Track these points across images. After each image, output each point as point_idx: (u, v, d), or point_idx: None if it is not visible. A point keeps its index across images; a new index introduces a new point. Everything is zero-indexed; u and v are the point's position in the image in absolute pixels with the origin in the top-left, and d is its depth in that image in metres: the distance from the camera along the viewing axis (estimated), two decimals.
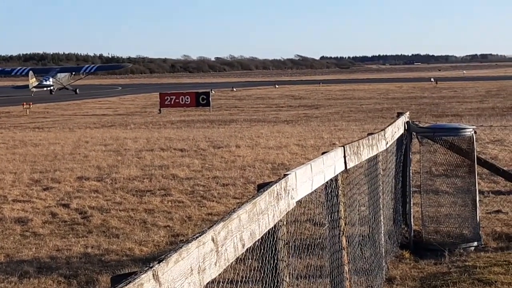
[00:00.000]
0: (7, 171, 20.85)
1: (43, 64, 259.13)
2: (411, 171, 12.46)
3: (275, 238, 5.20)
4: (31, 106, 55.82)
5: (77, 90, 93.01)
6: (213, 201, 15.97)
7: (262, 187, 5.15)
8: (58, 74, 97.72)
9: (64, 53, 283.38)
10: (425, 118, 37.93)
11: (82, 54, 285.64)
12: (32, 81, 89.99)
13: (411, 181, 12.39)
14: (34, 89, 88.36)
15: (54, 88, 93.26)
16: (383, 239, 9.97)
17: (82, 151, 25.51)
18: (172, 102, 52.50)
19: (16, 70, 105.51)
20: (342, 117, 40.89)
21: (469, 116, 38.80)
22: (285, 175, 5.57)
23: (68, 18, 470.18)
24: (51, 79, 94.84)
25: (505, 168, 17.96)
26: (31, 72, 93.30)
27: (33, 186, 18.18)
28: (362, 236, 9.04)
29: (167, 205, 15.59)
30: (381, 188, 9.97)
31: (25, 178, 19.36)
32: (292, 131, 31.80)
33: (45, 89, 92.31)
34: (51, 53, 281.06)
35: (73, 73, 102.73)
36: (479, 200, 14.15)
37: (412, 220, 12.16)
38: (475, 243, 11.60)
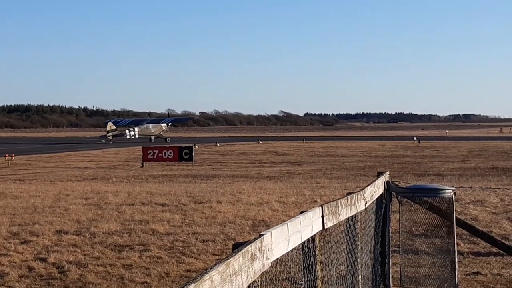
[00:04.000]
0: None
1: (27, 116, 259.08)
2: (390, 231, 12.44)
3: None
4: (13, 157, 55.66)
5: (168, 139, 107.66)
6: (192, 257, 15.86)
7: (237, 247, 5.12)
8: (150, 125, 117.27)
9: (48, 105, 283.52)
10: (407, 177, 38.02)
11: (66, 106, 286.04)
12: (111, 129, 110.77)
13: (390, 241, 12.36)
14: (112, 137, 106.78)
15: (152, 138, 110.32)
16: None
17: (62, 204, 25.37)
18: (155, 156, 52.48)
19: (121, 121, 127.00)
20: (325, 174, 40.93)
21: (450, 175, 38.92)
22: (260, 235, 5.52)
23: (52, 71, 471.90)
24: (136, 129, 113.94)
25: (484, 230, 18.03)
26: (110, 123, 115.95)
27: (11, 239, 18.02)
28: None
29: (145, 261, 15.47)
30: (360, 247, 9.93)
31: (3, 231, 19.20)
32: (274, 187, 31.77)
33: (127, 137, 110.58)
34: (35, 104, 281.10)
35: (169, 124, 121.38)
36: (458, 261, 14.14)
37: (390, 281, 12.11)
38: None
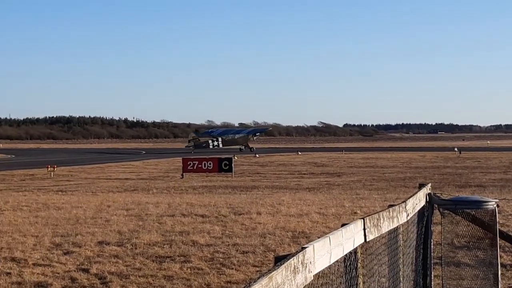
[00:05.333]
0: (29, 234, 20.89)
1: (68, 127, 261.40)
2: (432, 243, 12.35)
3: None
4: (55, 169, 56.17)
5: (253, 149, 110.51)
6: (233, 268, 15.88)
7: (279, 260, 5.12)
8: (236, 135, 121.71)
9: (89, 116, 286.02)
10: (448, 188, 37.75)
11: (107, 118, 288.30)
12: (192, 139, 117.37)
13: (432, 253, 12.26)
14: (193, 147, 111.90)
15: (243, 148, 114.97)
16: None
17: (104, 215, 25.55)
18: (195, 167, 52.64)
19: (214, 131, 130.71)
20: (364, 186, 40.77)
21: (492, 187, 38.57)
22: (302, 248, 5.52)
23: (93, 83, 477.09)
24: (220, 139, 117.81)
25: None
26: (191, 133, 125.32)
27: (54, 250, 18.18)
28: None
29: (186, 272, 15.52)
30: (402, 260, 9.87)
31: (46, 242, 19.39)
32: (314, 198, 31.71)
33: (210, 147, 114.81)
34: (77, 116, 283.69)
35: (257, 134, 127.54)
36: (501, 274, 13.99)
37: None
38: None
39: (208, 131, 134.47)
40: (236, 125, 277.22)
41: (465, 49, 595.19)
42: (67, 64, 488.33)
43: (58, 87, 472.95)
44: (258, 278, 4.48)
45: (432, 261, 12.27)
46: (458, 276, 12.06)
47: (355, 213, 25.11)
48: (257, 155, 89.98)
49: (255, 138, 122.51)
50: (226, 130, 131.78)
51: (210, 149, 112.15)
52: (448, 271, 12.14)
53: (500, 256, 15.09)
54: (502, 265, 15.25)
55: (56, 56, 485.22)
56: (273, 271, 4.70)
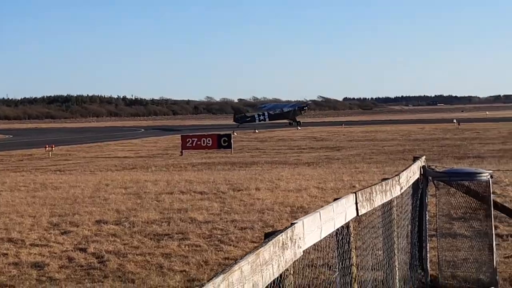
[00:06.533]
0: (26, 214, 20.94)
1: (66, 106, 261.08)
2: (427, 215, 12.39)
3: None
4: (53, 148, 56.19)
5: (299, 122, 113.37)
6: (231, 245, 15.94)
7: (269, 236, 5.13)
8: (284, 108, 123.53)
9: (88, 95, 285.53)
10: (447, 159, 37.81)
11: (105, 96, 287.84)
12: (240, 115, 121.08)
13: (427, 225, 12.31)
14: (239, 122, 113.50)
15: (293, 123, 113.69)
16: (398, 284, 9.88)
17: (102, 194, 25.59)
18: (194, 144, 52.65)
19: (265, 106, 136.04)
20: (364, 159, 40.80)
21: (491, 158, 38.60)
22: (292, 224, 5.54)
23: (91, 61, 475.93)
24: (266, 114, 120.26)
25: None
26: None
27: (51, 230, 18.23)
28: (376, 282, 8.96)
29: (184, 249, 15.57)
30: (396, 233, 9.90)
31: (44, 222, 19.43)
32: (313, 173, 31.74)
33: (257, 121, 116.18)
34: (75, 95, 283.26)
35: (305, 108, 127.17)
36: (498, 244, 14.04)
37: (428, 265, 12.07)
38: None
39: (260, 106, 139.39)
40: (236, 101, 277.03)
41: (463, 20, 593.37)
42: (64, 42, 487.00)
43: (56, 66, 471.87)
44: (245, 255, 4.50)
45: (427, 233, 12.32)
46: (454, 248, 12.11)
47: (354, 186, 25.14)
48: (256, 131, 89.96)
49: (303, 112, 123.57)
50: (275, 105, 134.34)
51: (256, 123, 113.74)
52: (444, 242, 12.20)
53: (496, 227, 15.17)
54: (498, 236, 15.31)
55: (52, 35, 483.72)
56: (260, 247, 4.71)
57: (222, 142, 52.54)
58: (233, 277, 4.12)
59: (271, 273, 4.80)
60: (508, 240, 15.31)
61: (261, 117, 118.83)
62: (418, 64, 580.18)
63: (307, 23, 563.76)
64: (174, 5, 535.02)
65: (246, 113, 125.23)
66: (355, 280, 7.45)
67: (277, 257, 4.96)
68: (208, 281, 3.84)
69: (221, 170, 36.04)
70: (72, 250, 15.72)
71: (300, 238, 5.57)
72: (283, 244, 5.13)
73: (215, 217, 19.58)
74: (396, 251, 9.79)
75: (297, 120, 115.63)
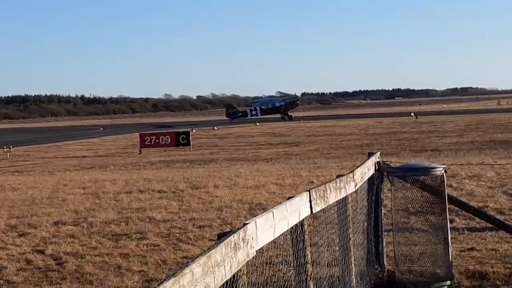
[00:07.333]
0: None
1: (24, 106, 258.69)
2: (383, 210, 12.49)
3: None
4: (11, 149, 55.68)
5: (292, 116, 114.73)
6: (189, 243, 15.93)
7: (221, 237, 5.15)
8: (276, 102, 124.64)
9: (46, 94, 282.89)
10: (405, 153, 38.13)
11: (63, 95, 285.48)
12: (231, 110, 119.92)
13: (383, 221, 12.41)
14: (231, 118, 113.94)
15: (285, 117, 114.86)
16: (354, 280, 9.94)
17: (60, 194, 25.40)
18: (152, 142, 52.54)
19: (258, 101, 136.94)
20: (322, 154, 40.98)
21: (448, 150, 38.99)
22: (244, 224, 5.56)
23: (48, 60, 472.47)
24: (258, 109, 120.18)
25: (480, 204, 18.10)
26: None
27: (9, 232, 18.07)
28: (333, 278, 9.02)
29: (142, 249, 15.53)
30: (352, 229, 9.97)
31: (1, 224, 19.25)
32: (271, 169, 31.80)
33: (249, 116, 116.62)
34: (33, 95, 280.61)
35: (297, 102, 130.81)
36: (454, 238, 14.21)
37: (385, 260, 12.17)
38: (448, 282, 11.62)
39: (254, 101, 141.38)
40: (194, 97, 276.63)
41: (419, 13, 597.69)
42: (19, 42, 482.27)
43: (12, 66, 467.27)
44: (197, 257, 4.50)
45: (383, 228, 12.41)
46: (410, 242, 12.22)
47: (312, 182, 25.22)
48: (215, 128, 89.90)
49: (295, 106, 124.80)
50: (267, 100, 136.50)
51: (248, 118, 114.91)
52: (401, 237, 12.30)
53: (452, 220, 15.36)
54: (455, 229, 15.48)
55: (5, 35, 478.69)
56: (212, 249, 4.73)
57: (180, 139, 52.50)
58: (184, 280, 4.12)
59: (223, 274, 4.81)
60: (464, 234, 15.47)
61: (253, 112, 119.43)
62: (376, 58, 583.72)
63: (265, 16, 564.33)
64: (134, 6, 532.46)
65: (238, 109, 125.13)
66: (310, 278, 7.50)
67: (230, 258, 4.97)
68: (158, 285, 3.84)
69: (179, 168, 35.98)
70: (30, 252, 15.60)
71: (252, 238, 5.59)
72: (235, 245, 5.14)
73: (173, 216, 19.55)
74: (352, 247, 9.86)
75: (289, 114, 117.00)
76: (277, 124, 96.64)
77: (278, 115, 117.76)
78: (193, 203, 21.80)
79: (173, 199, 22.95)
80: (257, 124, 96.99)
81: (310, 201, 7.58)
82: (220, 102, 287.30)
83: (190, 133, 55.17)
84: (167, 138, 52.73)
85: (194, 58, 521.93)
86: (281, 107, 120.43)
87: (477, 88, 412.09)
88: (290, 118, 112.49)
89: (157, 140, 52.50)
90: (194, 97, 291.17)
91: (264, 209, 19.68)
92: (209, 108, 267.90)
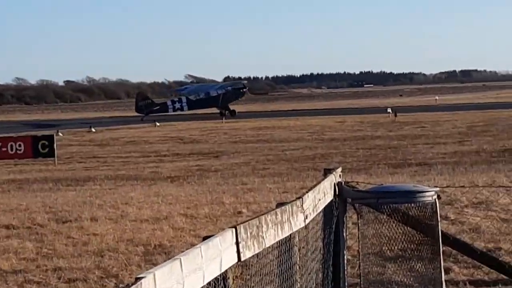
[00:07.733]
0: None
1: None
2: (346, 255, 12.55)
3: None
4: None
5: (234, 112, 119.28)
6: None
7: None
8: (216, 91, 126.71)
9: None
10: (378, 169, 38.44)
11: None
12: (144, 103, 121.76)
13: (346, 270, 12.47)
14: (144, 114, 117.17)
15: (225, 112, 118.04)
16: None
17: None
18: None
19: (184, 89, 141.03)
20: (255, 171, 41.09)
21: (441, 165, 39.40)
22: (137, 279, 5.54)
23: None
24: (184, 100, 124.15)
25: (490, 246, 18.29)
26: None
27: None
28: None
29: None
30: (299, 284, 10.02)
31: None
32: (178, 193, 31.78)
33: (170, 111, 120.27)
34: None
35: (244, 90, 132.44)
36: None
37: None
38: None
39: (177, 89, 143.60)
40: (61, 83, 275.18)
41: None
42: None
43: None
44: None
45: (346, 282, 12.48)
46: None
47: (240, 212, 25.32)
48: (93, 129, 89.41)
49: (240, 97, 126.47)
50: (198, 87, 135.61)
51: (170, 115, 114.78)
52: None
53: (448, 270, 15.51)
54: (453, 283, 15.63)
55: None
56: None
57: (40, 147, 52.03)
58: None
59: None
60: None
61: (177, 105, 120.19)
62: (336, 26, 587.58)
63: None
64: None
65: (153, 100, 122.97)
66: None
67: None
68: None
69: (38, 190, 35.72)
70: None
71: None
72: None
73: (28, 264, 19.40)
74: None
75: (231, 108, 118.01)
76: (187, 124, 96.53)
77: (215, 109, 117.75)
78: (59, 244, 21.66)
79: (28, 238, 22.77)
80: (157, 124, 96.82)
81: (237, 243, 7.59)
82: (99, 90, 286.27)
83: (55, 137, 54.78)
84: (19, 146, 52.20)
85: (61, 27, 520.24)
86: (219, 97, 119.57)
87: (484, 71, 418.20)
88: (233, 114, 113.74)
89: (4, 149, 51.96)
90: (61, 83, 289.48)
91: (168, 253, 19.69)
92: (84, 99, 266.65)
